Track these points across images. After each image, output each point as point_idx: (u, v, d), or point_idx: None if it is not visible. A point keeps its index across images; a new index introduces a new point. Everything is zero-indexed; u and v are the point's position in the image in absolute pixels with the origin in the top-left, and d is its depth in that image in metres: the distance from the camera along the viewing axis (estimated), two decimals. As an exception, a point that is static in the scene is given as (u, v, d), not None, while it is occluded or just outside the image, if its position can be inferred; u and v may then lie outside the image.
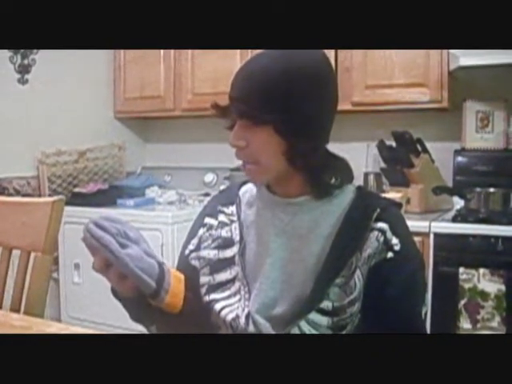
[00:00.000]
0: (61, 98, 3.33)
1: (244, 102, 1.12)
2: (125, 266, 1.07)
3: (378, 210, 1.17)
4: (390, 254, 1.14)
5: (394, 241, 1.15)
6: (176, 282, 1.17)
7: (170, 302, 1.14)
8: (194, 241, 1.30)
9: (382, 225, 1.16)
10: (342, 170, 1.22)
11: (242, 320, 1.17)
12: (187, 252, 1.30)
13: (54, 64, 3.18)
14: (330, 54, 2.84)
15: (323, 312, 1.12)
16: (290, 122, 1.10)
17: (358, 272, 1.14)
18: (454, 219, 2.54)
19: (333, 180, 1.19)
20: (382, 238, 1.15)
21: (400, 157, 2.86)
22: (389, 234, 1.15)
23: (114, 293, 1.20)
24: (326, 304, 1.12)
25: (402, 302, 1.14)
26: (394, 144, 2.90)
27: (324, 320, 1.12)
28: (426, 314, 1.19)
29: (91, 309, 3.09)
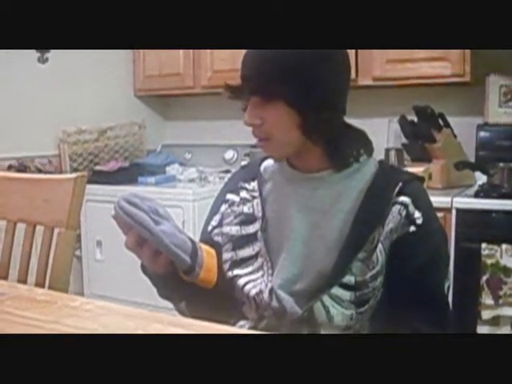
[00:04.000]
0: (81, 76, 3.33)
1: (254, 79, 1.12)
2: (160, 242, 1.07)
3: (400, 184, 1.16)
4: (412, 228, 1.14)
5: (417, 214, 1.15)
6: (209, 257, 1.18)
7: (205, 277, 1.16)
8: (217, 217, 1.30)
9: (404, 199, 1.15)
10: (361, 141, 1.21)
11: (266, 295, 1.17)
12: (210, 228, 1.31)
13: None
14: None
15: (346, 287, 1.12)
16: (301, 93, 1.10)
17: (380, 246, 1.13)
18: (477, 195, 2.51)
19: (353, 152, 1.19)
20: (404, 212, 1.15)
21: (422, 132, 2.83)
22: (411, 207, 1.15)
23: (144, 270, 1.21)
24: (349, 278, 1.12)
25: (425, 275, 1.14)
26: (415, 119, 2.87)
27: (347, 294, 1.12)
28: (448, 288, 1.19)
29: (114, 286, 3.12)
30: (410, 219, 1.14)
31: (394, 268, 1.14)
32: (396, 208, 1.15)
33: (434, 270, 1.16)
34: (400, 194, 1.16)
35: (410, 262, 1.13)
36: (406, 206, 1.15)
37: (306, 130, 1.13)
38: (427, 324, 1.11)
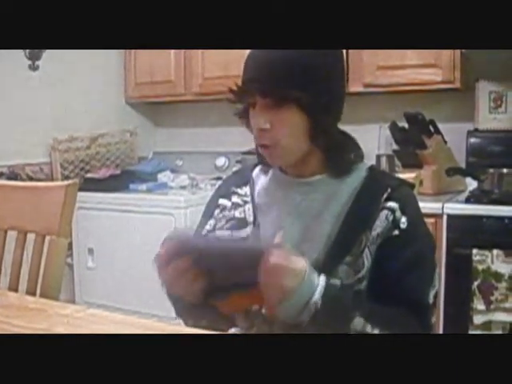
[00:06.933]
0: (72, 84, 3.33)
1: (268, 81, 1.11)
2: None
3: (389, 190, 1.17)
4: (395, 232, 1.15)
5: (402, 219, 1.15)
6: None
7: None
8: (211, 222, 1.30)
9: (392, 204, 1.16)
10: (353, 147, 1.23)
11: (256, 301, 1.17)
12: (205, 233, 1.30)
13: (64, 50, 3.17)
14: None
15: None
16: (314, 96, 1.11)
17: (366, 251, 1.14)
18: (467, 200, 2.52)
19: (349, 157, 1.20)
20: (391, 217, 1.15)
21: (412, 138, 2.84)
22: (398, 213, 1.16)
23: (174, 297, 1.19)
24: (334, 281, 1.12)
25: (404, 278, 1.13)
26: (406, 125, 2.88)
27: None
28: (435, 295, 1.18)
29: (105, 293, 3.11)
30: (395, 224, 1.15)
31: (375, 270, 1.14)
32: (384, 213, 1.15)
33: (415, 274, 1.15)
34: (389, 199, 1.16)
35: (390, 263, 1.14)
36: (393, 211, 1.16)
37: (313, 134, 1.14)
38: (404, 327, 1.11)
